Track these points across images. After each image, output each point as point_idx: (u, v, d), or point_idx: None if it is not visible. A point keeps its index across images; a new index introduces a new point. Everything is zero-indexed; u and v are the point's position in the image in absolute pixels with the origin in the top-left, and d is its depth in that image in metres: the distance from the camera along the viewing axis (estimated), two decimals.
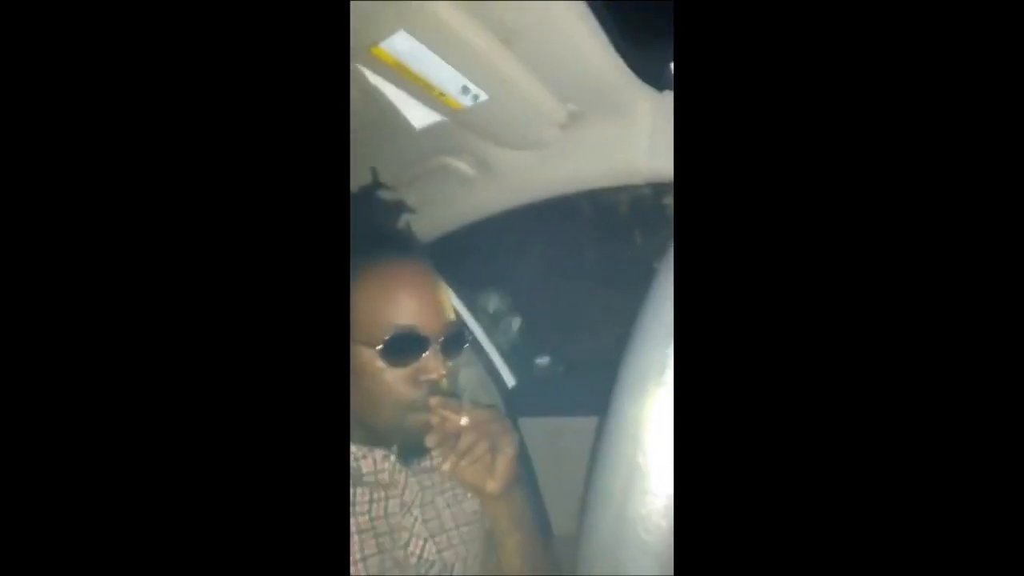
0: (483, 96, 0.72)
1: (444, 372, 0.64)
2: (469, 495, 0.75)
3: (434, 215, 1.03)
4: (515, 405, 1.18)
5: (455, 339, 0.67)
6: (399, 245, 0.72)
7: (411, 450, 0.69)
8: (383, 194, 0.75)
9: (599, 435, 0.57)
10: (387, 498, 0.69)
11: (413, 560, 0.68)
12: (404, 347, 0.63)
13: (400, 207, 0.77)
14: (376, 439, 0.69)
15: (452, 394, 0.66)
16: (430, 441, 0.62)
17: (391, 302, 0.64)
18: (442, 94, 0.73)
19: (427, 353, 0.64)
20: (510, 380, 1.21)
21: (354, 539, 0.65)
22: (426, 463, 0.74)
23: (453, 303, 0.73)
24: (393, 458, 0.71)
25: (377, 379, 0.63)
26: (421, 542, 0.69)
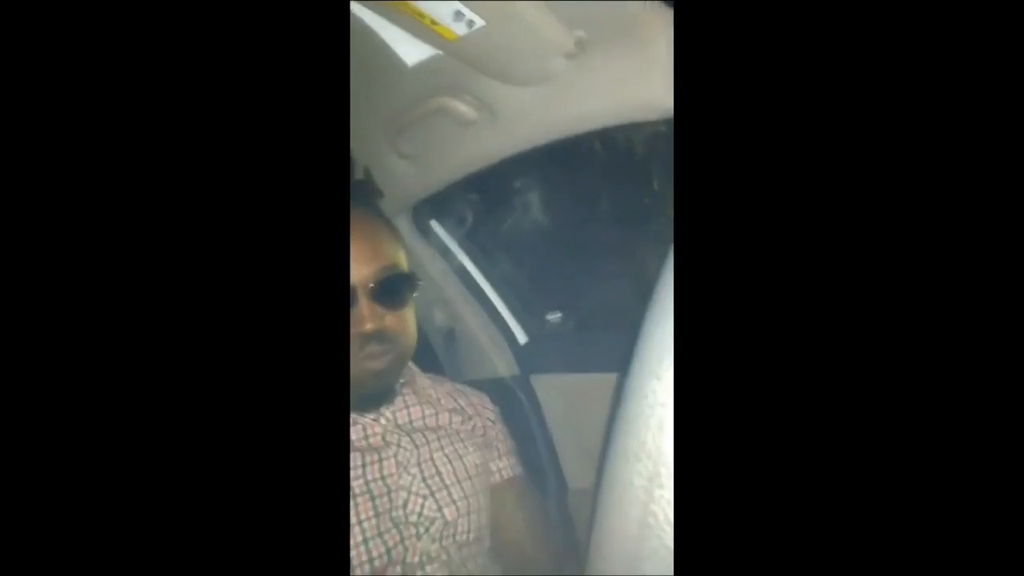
0: (479, 22, 0.64)
1: (372, 325, 0.63)
2: (470, 449, 0.73)
3: (433, 164, 0.96)
4: (527, 362, 1.14)
5: (389, 286, 0.65)
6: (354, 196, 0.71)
7: (366, 399, 0.69)
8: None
9: (619, 394, 0.53)
10: (381, 460, 0.67)
11: (413, 518, 0.66)
12: None
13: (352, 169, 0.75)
14: None
15: (392, 340, 0.66)
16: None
17: None
18: (434, 22, 0.65)
19: (357, 304, 0.63)
20: (522, 337, 1.17)
21: (349, 504, 0.63)
22: (420, 422, 0.72)
23: (399, 249, 0.72)
24: (384, 421, 0.70)
25: None
26: (420, 500, 0.67)
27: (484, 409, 0.81)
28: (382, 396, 0.71)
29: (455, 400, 0.80)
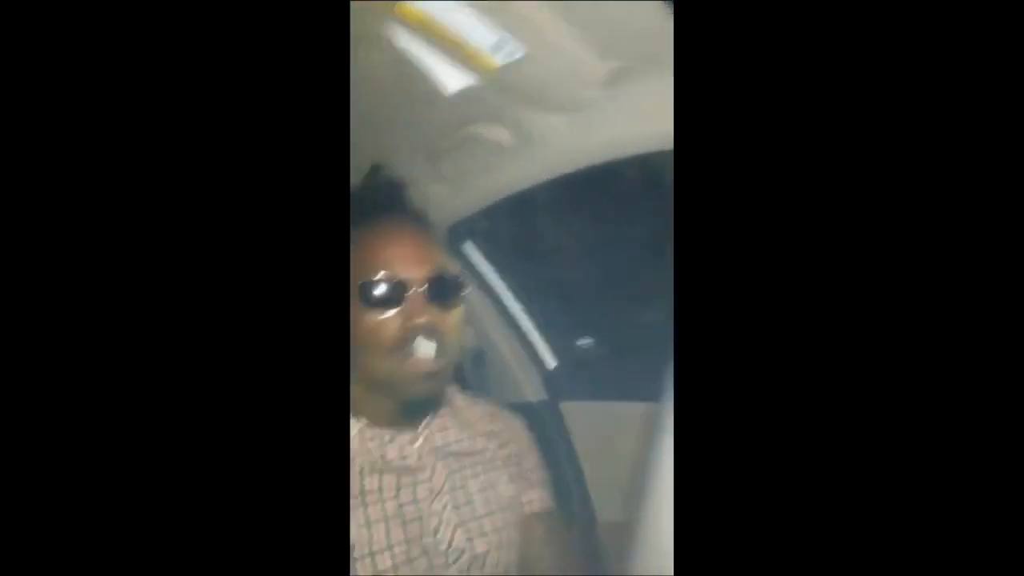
0: (518, 53, 0.66)
1: (426, 317, 0.63)
2: (504, 478, 0.72)
3: (469, 187, 0.98)
4: (555, 388, 1.13)
5: (441, 285, 0.65)
6: (392, 208, 0.71)
7: (413, 405, 0.68)
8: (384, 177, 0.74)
9: (657, 424, 0.52)
10: (415, 483, 0.66)
11: (443, 547, 0.65)
12: (384, 291, 0.63)
13: (399, 186, 0.75)
14: (379, 393, 0.67)
15: (444, 343, 0.65)
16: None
17: (370, 251, 0.64)
18: (474, 53, 0.67)
19: (410, 296, 0.64)
20: (551, 361, 1.17)
21: (380, 527, 0.63)
22: (454, 447, 0.71)
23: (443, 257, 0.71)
24: (421, 441, 0.69)
25: (361, 324, 0.63)
26: (451, 529, 0.66)
27: (520, 434, 0.79)
28: (429, 403, 0.69)
29: (491, 423, 0.78)
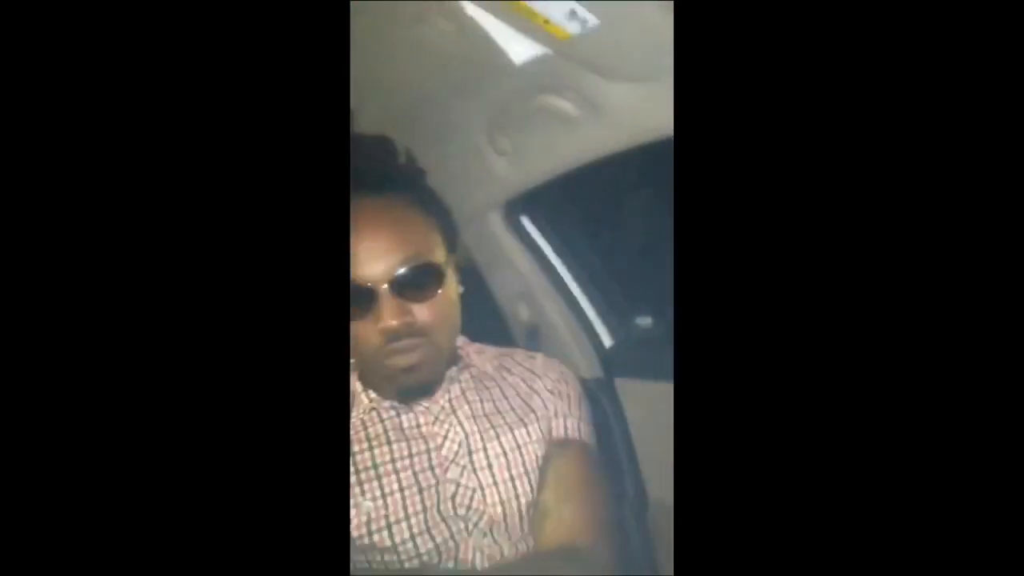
0: (593, 21, 0.63)
1: (396, 320, 0.62)
2: (531, 439, 0.69)
3: (530, 160, 0.96)
4: (611, 366, 1.12)
5: (412, 278, 0.63)
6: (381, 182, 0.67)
7: (406, 393, 0.68)
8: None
9: None
10: (429, 450, 0.66)
11: (462, 511, 0.65)
12: (354, 295, 0.62)
13: (387, 145, 0.71)
14: (378, 389, 0.68)
15: (424, 333, 0.64)
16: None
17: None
18: (547, 21, 0.65)
19: (380, 297, 0.62)
20: (607, 340, 1.15)
21: (396, 497, 0.63)
22: (477, 405, 0.70)
23: (429, 235, 0.68)
24: (438, 408, 0.69)
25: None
26: (469, 493, 0.65)
27: (555, 377, 0.75)
28: (421, 390, 0.68)
29: (517, 369, 0.75)
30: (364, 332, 0.63)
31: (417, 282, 0.64)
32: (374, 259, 0.62)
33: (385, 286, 0.62)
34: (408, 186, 0.69)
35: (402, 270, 0.62)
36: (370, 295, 0.62)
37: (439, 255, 0.67)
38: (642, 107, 0.76)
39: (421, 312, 0.64)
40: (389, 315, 0.62)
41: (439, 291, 0.65)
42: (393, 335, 0.62)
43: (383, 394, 0.69)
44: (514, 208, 1.15)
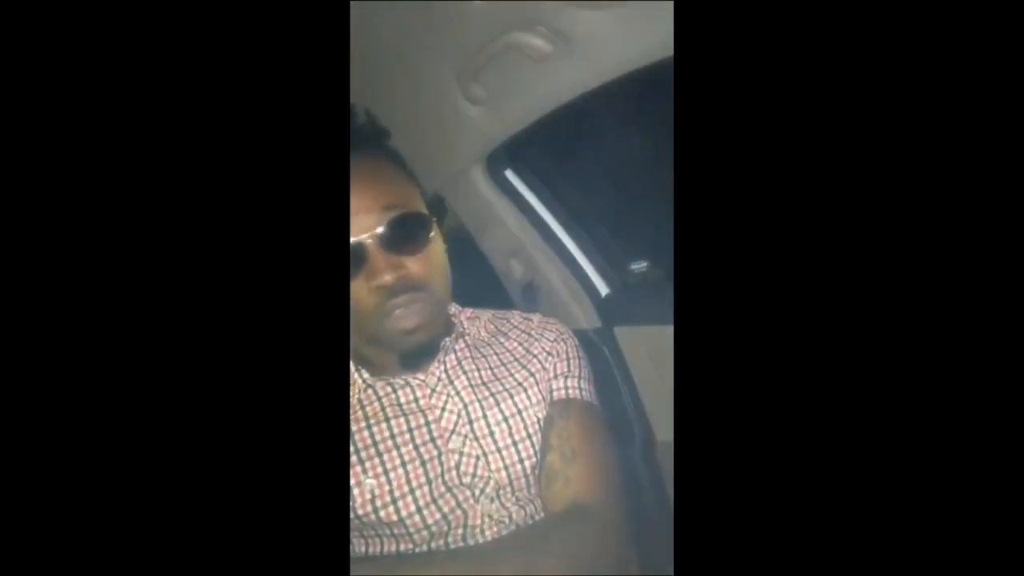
0: None
1: (389, 275, 0.59)
2: (531, 403, 0.68)
3: (507, 107, 0.91)
4: (609, 314, 1.10)
5: (399, 228, 0.60)
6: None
7: (408, 358, 0.66)
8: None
9: None
10: (429, 423, 0.65)
11: (467, 480, 0.63)
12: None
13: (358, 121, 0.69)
14: (377, 346, 0.66)
15: (421, 287, 0.62)
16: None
17: None
18: None
19: (368, 258, 0.59)
20: (603, 288, 1.13)
21: (399, 472, 0.62)
22: (475, 374, 0.68)
23: (408, 187, 0.66)
24: (434, 380, 0.67)
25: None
26: (472, 461, 0.64)
27: (552, 338, 0.73)
28: (424, 352, 0.66)
29: (513, 332, 0.74)
30: (358, 292, 0.60)
31: (405, 233, 0.61)
32: (355, 216, 0.59)
33: (372, 241, 0.59)
34: (372, 146, 0.66)
35: (388, 221, 0.60)
36: (359, 252, 0.59)
37: (420, 205, 0.65)
38: (619, 34, 0.71)
39: (414, 264, 0.61)
40: (382, 270, 0.59)
41: (428, 240, 0.63)
42: (389, 291, 0.60)
43: (376, 372, 0.67)
44: (498, 163, 1.10)
